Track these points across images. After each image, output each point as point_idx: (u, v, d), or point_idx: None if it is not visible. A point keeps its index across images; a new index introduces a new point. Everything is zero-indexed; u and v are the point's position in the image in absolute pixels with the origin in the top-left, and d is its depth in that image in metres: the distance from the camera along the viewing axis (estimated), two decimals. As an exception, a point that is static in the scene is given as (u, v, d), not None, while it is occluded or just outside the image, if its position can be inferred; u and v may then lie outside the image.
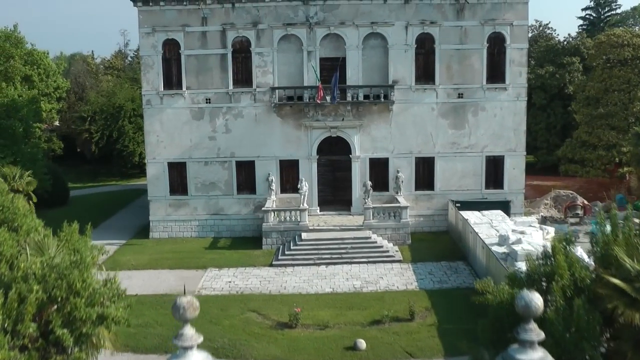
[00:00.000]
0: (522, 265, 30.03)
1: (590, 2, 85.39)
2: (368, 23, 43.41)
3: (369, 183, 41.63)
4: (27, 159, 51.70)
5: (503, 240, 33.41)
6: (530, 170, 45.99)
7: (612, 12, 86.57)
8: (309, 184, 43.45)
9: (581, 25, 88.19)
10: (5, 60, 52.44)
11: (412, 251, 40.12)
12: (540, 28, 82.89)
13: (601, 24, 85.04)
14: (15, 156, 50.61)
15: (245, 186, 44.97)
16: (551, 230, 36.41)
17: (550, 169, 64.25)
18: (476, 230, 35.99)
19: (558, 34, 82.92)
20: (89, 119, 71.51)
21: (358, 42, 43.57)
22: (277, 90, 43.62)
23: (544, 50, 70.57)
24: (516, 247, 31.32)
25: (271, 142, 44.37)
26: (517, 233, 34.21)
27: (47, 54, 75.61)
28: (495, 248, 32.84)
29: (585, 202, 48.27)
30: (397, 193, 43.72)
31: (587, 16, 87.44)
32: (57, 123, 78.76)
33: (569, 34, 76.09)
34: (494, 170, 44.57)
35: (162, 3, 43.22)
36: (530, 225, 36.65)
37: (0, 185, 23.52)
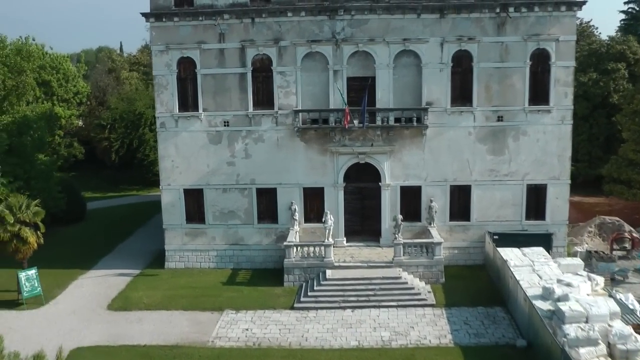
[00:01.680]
0: (570, 330, 26.85)
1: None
2: (400, 40, 39.88)
3: (400, 217, 38.25)
4: (40, 176, 49.56)
5: (548, 293, 30.16)
6: (571, 184, 42.07)
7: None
8: (335, 213, 40.46)
9: (623, 19, 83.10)
10: (16, 75, 49.83)
11: (446, 292, 36.85)
12: (582, 26, 78.14)
13: (645, 18, 79.96)
14: (28, 175, 48.46)
15: (267, 215, 42.06)
16: (600, 280, 32.86)
17: (592, 184, 60.12)
18: (517, 278, 32.59)
19: (600, 33, 78.06)
20: (108, 126, 69.21)
21: (389, 61, 40.09)
22: (300, 113, 40.46)
23: (587, 54, 66.07)
24: (563, 307, 28.07)
25: (294, 168, 41.32)
26: (563, 285, 30.85)
27: (68, 57, 73.57)
28: (539, 303, 29.63)
29: (634, 232, 44.34)
30: (430, 224, 40.47)
31: (630, 10, 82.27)
32: (80, 124, 76.60)
33: (612, 37, 70.87)
34: (536, 199, 40.93)
35: (176, 19, 40.22)
36: (577, 274, 33.17)
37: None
